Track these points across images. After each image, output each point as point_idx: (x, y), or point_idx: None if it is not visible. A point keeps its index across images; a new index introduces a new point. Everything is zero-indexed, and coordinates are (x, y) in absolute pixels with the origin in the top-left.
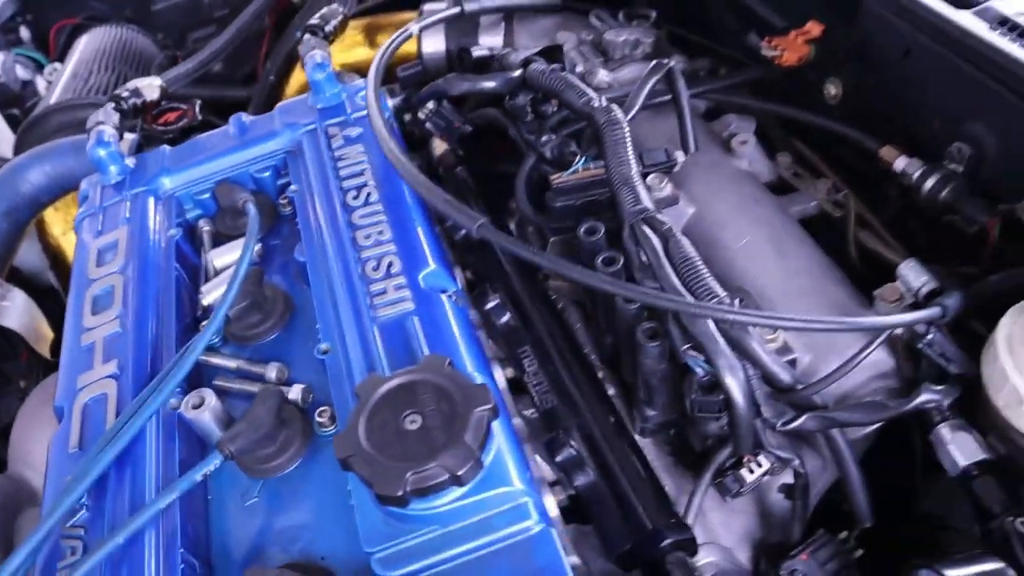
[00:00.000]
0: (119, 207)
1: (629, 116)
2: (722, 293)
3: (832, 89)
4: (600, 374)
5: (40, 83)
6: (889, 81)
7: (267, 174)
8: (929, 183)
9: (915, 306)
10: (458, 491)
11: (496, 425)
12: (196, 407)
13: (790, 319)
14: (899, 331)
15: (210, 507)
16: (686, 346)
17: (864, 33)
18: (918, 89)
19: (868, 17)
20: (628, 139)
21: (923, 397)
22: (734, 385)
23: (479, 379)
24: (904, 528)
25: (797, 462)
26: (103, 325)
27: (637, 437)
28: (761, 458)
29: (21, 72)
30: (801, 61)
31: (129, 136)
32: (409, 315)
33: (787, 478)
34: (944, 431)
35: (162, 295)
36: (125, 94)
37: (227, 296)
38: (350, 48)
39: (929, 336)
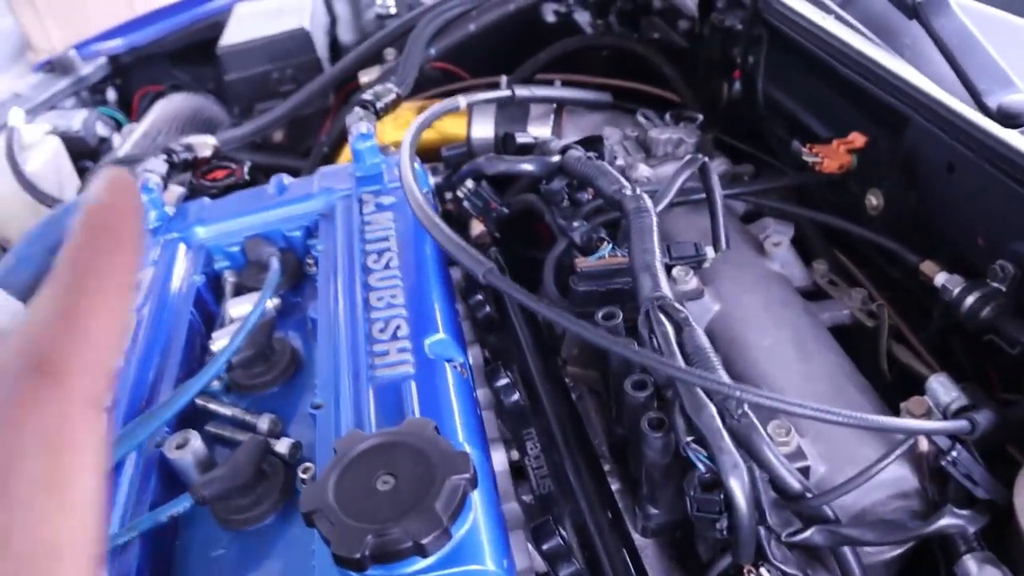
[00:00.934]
0: (150, 250)
1: (659, 207)
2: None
3: (873, 200)
4: (607, 467)
5: (116, 141)
6: (932, 195)
7: (298, 233)
8: (969, 300)
9: None
10: (422, 562)
11: (476, 498)
12: (179, 447)
13: (797, 404)
14: (925, 448)
15: (175, 553)
16: (689, 439)
17: (909, 146)
18: (962, 205)
19: (914, 130)
20: (655, 227)
21: (945, 521)
22: (736, 485)
23: (467, 448)
24: None
25: None
26: None
27: (637, 537)
28: (763, 571)
29: (101, 129)
30: (842, 169)
31: (177, 188)
32: (407, 378)
33: None
34: (970, 563)
35: (173, 336)
36: (178, 148)
37: (233, 341)
38: (403, 127)
39: (954, 453)
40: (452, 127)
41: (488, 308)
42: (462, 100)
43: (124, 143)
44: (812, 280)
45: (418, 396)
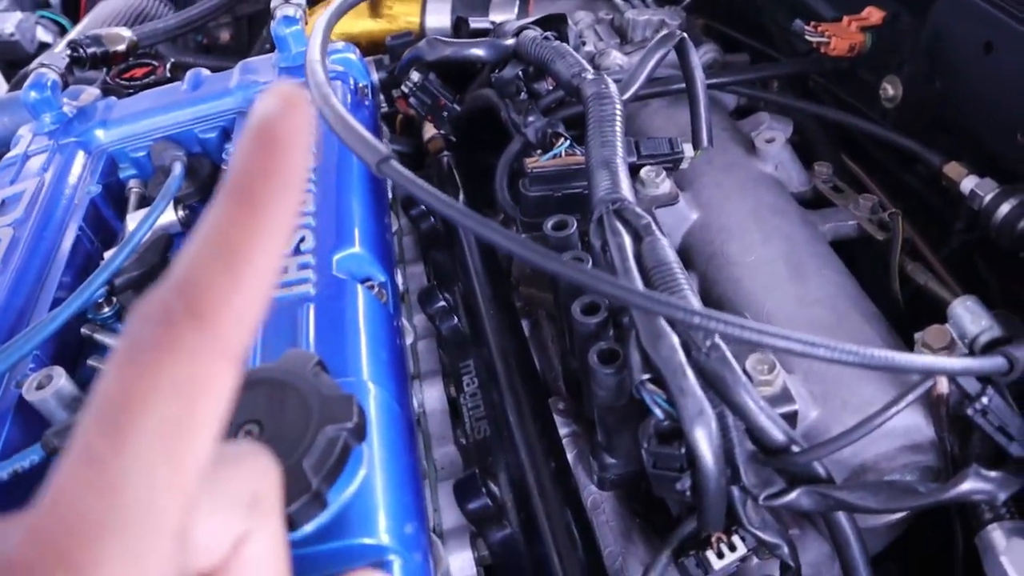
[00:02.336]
0: (41, 157)
1: (626, 95)
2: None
3: (890, 89)
4: (561, 406)
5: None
6: (963, 82)
7: (213, 135)
8: (1004, 209)
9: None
10: (294, 535)
11: (375, 452)
12: (40, 387)
13: (781, 336)
14: (945, 390)
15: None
16: (645, 376)
17: (937, 22)
18: (999, 93)
19: (945, 2)
20: (618, 118)
21: (969, 485)
22: (701, 436)
23: (371, 387)
24: None
25: (786, 550)
26: None
27: (594, 490)
28: (736, 539)
29: (42, 34)
30: (853, 52)
31: (93, 91)
32: (305, 301)
33: (774, 568)
34: (995, 535)
35: (55, 257)
36: (85, 41)
37: (113, 259)
38: (354, 18)
39: (985, 399)
40: (407, 15)
41: (432, 219)
42: None
43: (56, 46)
44: (812, 185)
45: (315, 322)
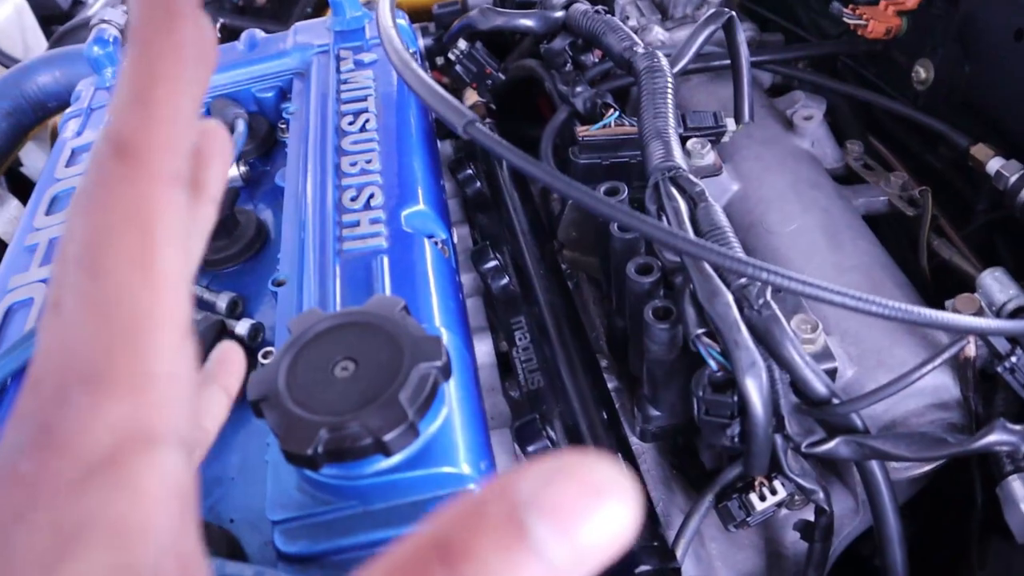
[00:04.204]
0: (105, 111)
1: (677, 68)
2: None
3: (922, 72)
4: (604, 363)
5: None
6: (992, 67)
7: (270, 95)
8: None
9: None
10: (386, 462)
11: (452, 391)
12: None
13: (836, 291)
14: (972, 353)
15: None
16: (700, 331)
17: (969, 8)
18: None
19: None
20: (670, 90)
21: (994, 437)
22: (753, 386)
23: (444, 332)
24: None
25: (821, 495)
26: (53, 227)
27: (635, 441)
28: (777, 484)
29: None
30: (889, 35)
31: None
32: (379, 253)
33: (807, 514)
34: (1016, 485)
35: None
36: None
37: None
38: None
39: (1013, 359)
40: None
41: (479, 184)
42: None
43: (94, 4)
44: (845, 162)
45: (390, 273)
